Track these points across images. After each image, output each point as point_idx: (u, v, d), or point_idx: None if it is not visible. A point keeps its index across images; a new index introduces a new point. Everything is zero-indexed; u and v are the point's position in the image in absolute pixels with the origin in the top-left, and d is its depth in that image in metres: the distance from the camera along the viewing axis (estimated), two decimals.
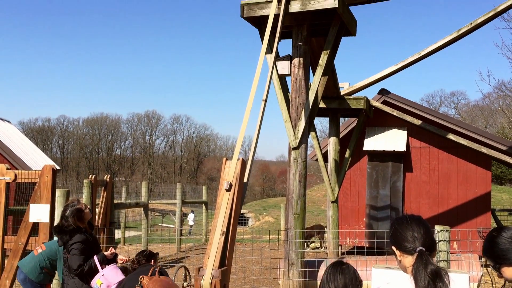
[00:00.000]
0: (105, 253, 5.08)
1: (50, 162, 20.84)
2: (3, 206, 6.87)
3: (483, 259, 5.99)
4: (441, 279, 2.17)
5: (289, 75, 7.49)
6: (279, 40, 6.92)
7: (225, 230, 5.06)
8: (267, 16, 7.05)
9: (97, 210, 10.27)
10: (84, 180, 9.31)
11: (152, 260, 4.83)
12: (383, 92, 12.62)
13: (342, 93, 10.60)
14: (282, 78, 7.91)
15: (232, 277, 7.07)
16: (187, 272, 6.11)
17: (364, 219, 12.82)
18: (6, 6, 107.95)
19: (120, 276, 4.78)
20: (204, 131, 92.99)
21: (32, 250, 5.63)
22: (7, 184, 6.88)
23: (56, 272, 5.56)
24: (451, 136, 10.88)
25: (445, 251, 5.22)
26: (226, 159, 5.50)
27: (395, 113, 11.17)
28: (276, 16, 6.91)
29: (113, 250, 5.15)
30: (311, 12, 7.12)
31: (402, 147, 12.07)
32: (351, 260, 6.92)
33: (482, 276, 6.80)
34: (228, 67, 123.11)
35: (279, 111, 7.58)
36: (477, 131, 12.49)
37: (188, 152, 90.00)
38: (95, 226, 7.05)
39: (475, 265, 6.61)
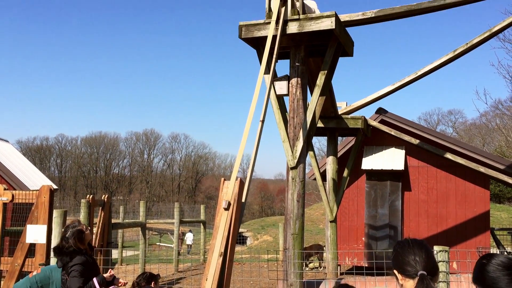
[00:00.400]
0: (104, 275, 5.03)
1: (48, 181, 20.78)
2: (0, 227, 6.83)
3: None
4: None
5: (287, 95, 7.53)
6: (276, 61, 6.98)
7: (223, 251, 5.03)
8: (265, 37, 7.11)
9: (95, 230, 10.21)
10: (82, 200, 9.28)
11: (153, 282, 4.79)
12: (380, 111, 12.68)
13: (339, 113, 10.65)
14: (280, 98, 7.95)
15: None
16: None
17: (363, 238, 12.76)
18: (6, 27, 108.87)
19: None
20: (202, 150, 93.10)
21: (30, 272, 5.58)
22: (4, 204, 6.86)
23: None
24: (448, 155, 10.90)
25: (444, 271, 5.19)
26: (224, 180, 5.50)
27: (393, 132, 11.21)
28: (274, 37, 6.98)
29: (112, 272, 5.11)
30: (308, 33, 7.19)
31: (400, 166, 12.08)
32: (350, 281, 6.87)
33: None
34: (226, 86, 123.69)
35: (277, 130, 7.60)
36: (475, 150, 12.52)
37: (186, 171, 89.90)
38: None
39: (475, 286, 6.56)
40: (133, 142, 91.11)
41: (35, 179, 19.29)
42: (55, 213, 6.61)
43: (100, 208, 10.51)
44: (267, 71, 7.24)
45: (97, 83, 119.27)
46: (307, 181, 11.49)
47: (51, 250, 5.96)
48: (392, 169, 12.12)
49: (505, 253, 11.09)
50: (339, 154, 11.87)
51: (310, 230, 30.48)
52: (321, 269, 15.14)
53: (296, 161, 7.20)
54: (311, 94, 7.71)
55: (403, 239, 2.54)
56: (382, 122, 12.35)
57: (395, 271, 2.42)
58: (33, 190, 6.84)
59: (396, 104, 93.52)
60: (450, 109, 70.68)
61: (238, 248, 25.07)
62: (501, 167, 11.70)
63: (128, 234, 30.12)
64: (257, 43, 7.72)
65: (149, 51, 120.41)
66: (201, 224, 17.92)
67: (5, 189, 6.84)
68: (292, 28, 7.15)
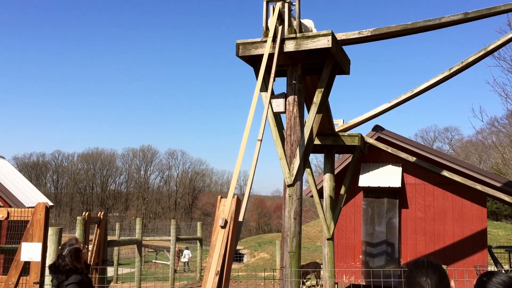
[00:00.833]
0: None
1: (43, 198, 20.66)
2: None
3: None
4: None
5: (284, 112, 7.55)
6: (274, 79, 7.01)
7: (219, 269, 4.99)
8: (262, 55, 7.15)
9: (90, 247, 10.13)
10: (78, 217, 9.23)
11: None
12: (377, 128, 12.72)
13: (336, 130, 10.68)
14: (277, 116, 7.96)
15: None
16: None
17: (360, 256, 12.69)
18: (3, 40, 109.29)
19: None
20: (199, 166, 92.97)
21: None
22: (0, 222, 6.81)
23: None
24: (445, 173, 10.91)
25: None
26: (221, 197, 5.47)
27: (390, 149, 11.23)
28: (271, 55, 7.03)
29: None
30: (305, 51, 7.24)
31: (397, 183, 12.07)
32: None
33: None
34: (223, 103, 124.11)
35: (274, 147, 7.60)
36: (471, 168, 12.54)
37: (183, 187, 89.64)
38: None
39: None
40: (130, 158, 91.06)
41: (31, 196, 19.19)
42: (51, 230, 6.56)
43: (96, 225, 10.46)
44: (263, 89, 7.28)
45: (94, 99, 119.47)
46: (304, 198, 11.48)
47: (46, 268, 5.91)
48: (389, 186, 12.12)
49: (503, 271, 11.03)
50: (336, 171, 11.86)
51: (307, 247, 30.29)
52: (318, 287, 15.02)
53: (293, 178, 7.19)
54: (308, 111, 7.73)
55: (419, 259, 2.54)
56: (379, 139, 12.38)
57: None
58: (28, 207, 6.80)
59: (393, 121, 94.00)
60: (446, 126, 71.05)
61: (234, 265, 24.87)
62: (498, 184, 11.70)
63: (124, 251, 29.89)
64: (254, 61, 7.77)
65: (146, 67, 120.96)
66: (198, 241, 17.80)
67: (0, 206, 6.80)
68: (289, 46, 7.20)
